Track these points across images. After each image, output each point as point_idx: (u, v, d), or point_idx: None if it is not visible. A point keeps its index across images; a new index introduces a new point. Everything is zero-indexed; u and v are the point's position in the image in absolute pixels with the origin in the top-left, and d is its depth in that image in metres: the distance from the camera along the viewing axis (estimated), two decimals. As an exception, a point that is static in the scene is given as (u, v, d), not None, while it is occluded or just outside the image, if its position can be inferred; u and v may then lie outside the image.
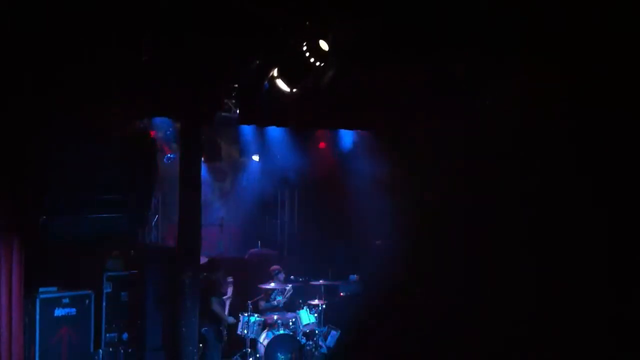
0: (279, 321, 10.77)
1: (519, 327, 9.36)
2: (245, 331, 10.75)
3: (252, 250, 13.07)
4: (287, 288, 11.41)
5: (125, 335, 9.65)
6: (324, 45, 9.09)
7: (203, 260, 10.53)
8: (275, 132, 13.22)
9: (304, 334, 11.09)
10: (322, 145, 13.81)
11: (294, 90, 10.12)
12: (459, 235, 11.30)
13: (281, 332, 10.83)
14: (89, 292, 9.50)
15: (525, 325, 9.31)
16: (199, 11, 8.48)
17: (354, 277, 13.08)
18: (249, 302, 10.80)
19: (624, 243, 8.72)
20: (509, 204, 10.36)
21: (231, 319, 10.50)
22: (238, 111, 10.96)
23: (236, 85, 10.69)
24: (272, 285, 11.07)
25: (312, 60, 9.90)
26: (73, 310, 9.32)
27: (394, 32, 9.17)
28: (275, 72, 9.81)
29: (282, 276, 11.41)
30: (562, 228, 9.54)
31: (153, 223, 10.84)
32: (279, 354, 10.75)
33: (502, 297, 9.85)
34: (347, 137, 13.57)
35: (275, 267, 11.47)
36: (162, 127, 11.30)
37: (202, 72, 9.30)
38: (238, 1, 8.54)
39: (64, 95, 9.03)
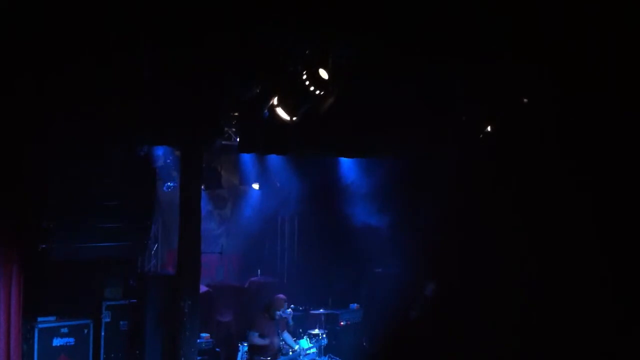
0: (281, 352, 10.64)
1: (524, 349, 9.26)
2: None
3: (253, 279, 13.01)
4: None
5: (124, 366, 9.58)
6: (323, 73, 9.13)
7: (203, 288, 10.49)
8: (275, 160, 13.22)
9: (305, 362, 11.00)
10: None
11: (294, 118, 10.16)
12: (459, 258, 11.30)
13: (282, 360, 10.74)
14: (88, 321, 9.45)
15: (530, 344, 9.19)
16: (200, 39, 8.52)
17: (354, 305, 13.02)
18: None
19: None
20: (509, 222, 10.33)
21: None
22: (238, 139, 11.01)
23: (236, 114, 10.74)
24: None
25: (312, 88, 9.96)
26: (72, 340, 9.27)
27: (392, 50, 9.22)
28: (275, 101, 9.84)
29: (287, 311, 11.27)
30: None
31: (153, 251, 10.78)
32: (279, 384, 10.64)
33: (504, 320, 9.76)
34: (348, 163, 13.59)
35: (281, 296, 11.33)
36: (162, 155, 11.29)
37: (202, 100, 9.32)
38: (238, 30, 8.58)
39: (65, 127, 9.07)
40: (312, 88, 9.83)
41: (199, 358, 9.58)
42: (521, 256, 10.00)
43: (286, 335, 10.57)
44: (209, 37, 8.43)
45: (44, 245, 9.13)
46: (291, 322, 11.26)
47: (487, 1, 8.42)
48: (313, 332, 11.44)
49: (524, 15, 8.39)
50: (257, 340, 10.01)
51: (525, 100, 10.05)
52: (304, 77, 9.10)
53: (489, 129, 11.07)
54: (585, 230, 9.21)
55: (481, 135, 11.01)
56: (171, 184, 11.32)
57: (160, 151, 11.24)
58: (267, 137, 10.74)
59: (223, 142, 11.34)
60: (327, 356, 11.57)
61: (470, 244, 11.01)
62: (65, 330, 9.23)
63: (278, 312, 10.23)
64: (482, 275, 10.57)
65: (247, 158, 12.92)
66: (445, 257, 11.27)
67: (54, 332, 9.16)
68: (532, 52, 8.99)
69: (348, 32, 8.84)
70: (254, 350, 10.09)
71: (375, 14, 8.47)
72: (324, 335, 11.48)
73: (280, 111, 9.96)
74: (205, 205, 10.69)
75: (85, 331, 9.39)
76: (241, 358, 10.78)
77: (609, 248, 8.91)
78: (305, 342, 11.05)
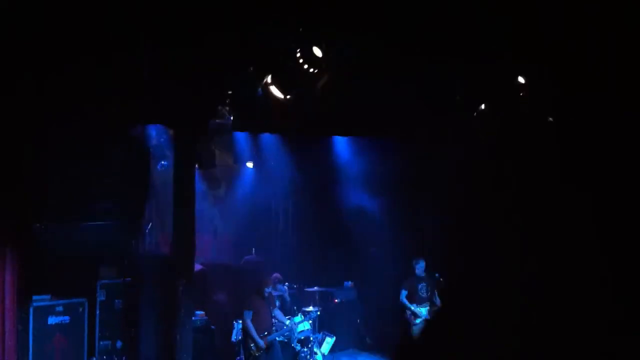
0: (274, 328, 10.72)
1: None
2: (240, 338, 10.70)
3: (247, 257, 13.05)
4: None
5: (119, 343, 9.61)
6: (317, 52, 9.10)
7: (197, 267, 10.51)
8: (269, 139, 13.22)
9: (299, 340, 11.05)
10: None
11: (288, 96, 10.13)
12: (457, 239, 11.32)
13: (276, 339, 10.79)
14: (83, 300, 9.47)
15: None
16: (194, 18, 8.48)
17: (348, 283, 13.10)
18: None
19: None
20: (504, 208, 10.34)
21: (261, 343, 10.02)
22: (232, 118, 10.97)
23: (230, 92, 10.70)
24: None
25: (305, 67, 9.92)
26: (67, 318, 9.29)
27: (390, 43, 9.22)
28: (269, 79, 9.81)
29: (282, 288, 11.34)
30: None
31: (147, 231, 10.78)
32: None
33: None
34: (342, 143, 13.59)
35: (276, 275, 11.41)
36: (155, 134, 11.25)
37: (196, 79, 9.28)
38: (232, 9, 8.55)
39: (58, 104, 9.03)
40: (305, 66, 9.81)
41: (193, 336, 9.60)
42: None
43: (277, 312, 10.64)
44: (203, 18, 8.41)
45: (38, 225, 9.14)
46: (288, 299, 11.33)
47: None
48: (307, 310, 11.50)
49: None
50: (252, 320, 10.07)
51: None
52: (298, 55, 9.06)
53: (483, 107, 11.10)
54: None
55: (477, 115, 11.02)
56: (165, 163, 11.30)
57: (153, 130, 11.22)
58: (261, 116, 10.73)
59: (217, 121, 11.30)
60: (321, 333, 11.65)
61: (468, 241, 11.01)
62: (60, 308, 9.26)
63: (267, 290, 10.29)
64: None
65: (241, 137, 12.91)
66: (444, 256, 11.29)
67: (49, 310, 9.18)
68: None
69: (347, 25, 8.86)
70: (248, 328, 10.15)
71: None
72: (318, 313, 11.55)
73: (274, 89, 9.93)
74: (199, 185, 10.67)
75: (80, 309, 9.41)
76: (236, 336, 10.85)
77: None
78: (299, 319, 11.12)
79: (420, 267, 11.42)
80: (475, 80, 10.87)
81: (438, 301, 11.30)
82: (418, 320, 11.39)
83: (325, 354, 11.63)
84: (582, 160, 9.38)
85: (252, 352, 9.97)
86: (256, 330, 9.99)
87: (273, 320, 10.47)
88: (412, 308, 11.39)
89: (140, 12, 8.32)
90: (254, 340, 9.94)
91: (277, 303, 11.06)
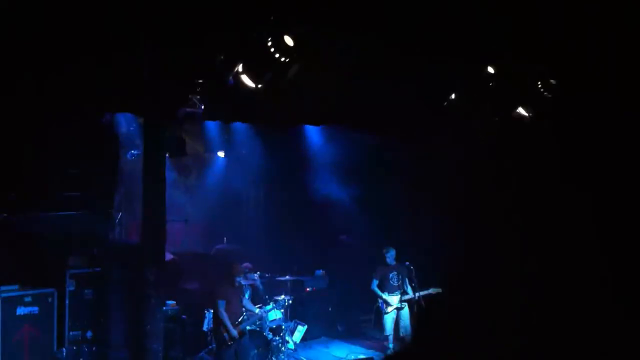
0: (244, 317, 10.71)
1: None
2: (211, 327, 10.68)
3: (218, 246, 13.02)
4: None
5: (89, 333, 9.55)
6: (288, 40, 9.07)
7: (168, 257, 10.46)
8: (240, 128, 13.18)
9: (271, 329, 11.06)
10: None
11: (259, 85, 10.09)
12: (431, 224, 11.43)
13: (248, 327, 10.79)
14: (52, 290, 9.39)
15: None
16: (164, 7, 8.41)
17: (319, 272, 13.14)
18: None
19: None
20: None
21: (234, 332, 9.97)
22: (202, 106, 10.91)
23: (200, 81, 10.63)
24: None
25: (277, 55, 9.89)
26: (35, 309, 9.19)
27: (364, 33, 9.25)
28: (239, 68, 9.76)
29: (254, 277, 11.33)
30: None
31: (117, 220, 10.71)
32: (246, 350, 10.71)
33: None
34: (313, 132, 13.60)
35: (247, 265, 11.40)
36: (125, 123, 11.17)
37: (165, 67, 9.21)
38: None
39: (24, 91, 8.93)
40: (277, 55, 9.78)
41: (164, 325, 9.56)
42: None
43: (246, 302, 10.63)
44: (174, 6, 8.34)
45: (5, 215, 9.03)
46: (261, 288, 11.32)
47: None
48: (279, 298, 11.51)
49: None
50: (225, 309, 10.05)
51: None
52: (269, 44, 9.03)
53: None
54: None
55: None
56: (135, 152, 11.22)
57: (123, 119, 11.13)
58: (232, 105, 10.68)
59: (187, 110, 11.22)
60: (293, 321, 11.68)
61: (442, 230, 11.11)
62: (29, 299, 9.16)
63: (238, 279, 10.28)
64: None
65: (212, 126, 12.86)
66: (416, 244, 11.35)
67: (18, 301, 9.07)
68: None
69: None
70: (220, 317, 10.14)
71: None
72: (290, 301, 11.57)
73: (245, 78, 9.89)
74: (170, 173, 10.60)
75: (50, 300, 9.32)
76: (207, 325, 10.83)
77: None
78: (271, 308, 11.13)
79: (390, 256, 11.45)
80: (446, 68, 10.93)
81: (409, 289, 11.36)
82: (390, 309, 11.45)
83: (297, 342, 11.67)
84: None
85: (224, 341, 9.95)
86: (228, 317, 9.98)
87: (242, 309, 10.47)
88: (384, 296, 11.45)
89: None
90: (227, 330, 9.92)
91: (248, 292, 11.06)
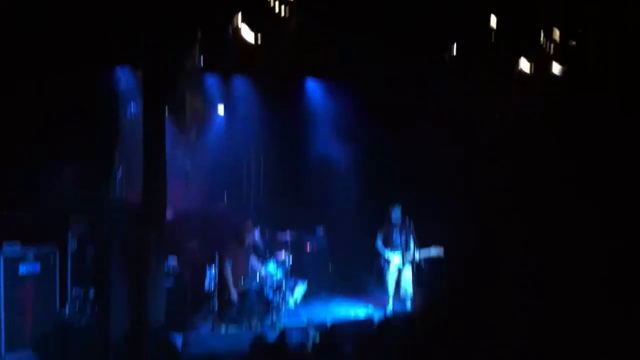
0: (250, 275, 10.70)
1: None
2: (212, 285, 10.71)
3: (219, 203, 12.97)
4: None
5: (91, 292, 9.56)
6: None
7: (169, 214, 10.42)
8: (240, 83, 13.03)
9: (271, 287, 11.09)
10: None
11: (259, 39, 9.97)
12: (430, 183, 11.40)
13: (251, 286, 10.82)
14: (54, 248, 9.36)
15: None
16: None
17: (320, 229, 13.13)
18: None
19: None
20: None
21: (234, 294, 10.05)
22: (202, 62, 10.78)
23: (200, 35, 10.48)
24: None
25: (276, 8, 9.74)
26: (37, 268, 9.18)
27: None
28: (239, 22, 9.62)
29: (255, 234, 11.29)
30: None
31: (117, 178, 10.63)
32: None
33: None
34: (314, 87, 13.46)
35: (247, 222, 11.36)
36: (124, 79, 11.03)
37: (164, 21, 9.05)
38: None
39: (24, 44, 8.81)
40: (276, 8, 9.62)
41: (166, 283, 9.58)
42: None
43: (253, 260, 10.64)
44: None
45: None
46: (261, 246, 11.31)
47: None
48: (279, 256, 11.52)
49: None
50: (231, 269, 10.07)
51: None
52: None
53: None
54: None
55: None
56: (134, 109, 11.10)
57: (122, 75, 10.99)
58: (231, 60, 10.56)
59: (187, 64, 11.09)
60: (293, 279, 11.71)
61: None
62: (30, 258, 9.14)
63: (247, 236, 10.26)
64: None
65: (212, 81, 12.71)
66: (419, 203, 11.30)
67: (20, 259, 9.05)
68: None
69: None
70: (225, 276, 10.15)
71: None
72: (290, 260, 11.58)
73: (244, 32, 9.76)
74: (169, 129, 10.49)
75: (51, 259, 9.30)
76: (209, 282, 10.85)
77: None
78: (272, 266, 11.15)
79: (396, 213, 11.41)
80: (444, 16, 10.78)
81: (412, 249, 11.34)
82: (392, 267, 11.47)
83: (298, 300, 11.71)
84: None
85: (227, 299, 9.98)
86: (233, 277, 9.99)
87: (248, 268, 10.48)
88: (386, 254, 11.46)
89: None
90: (229, 290, 9.95)
91: (252, 250, 11.05)
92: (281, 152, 13.58)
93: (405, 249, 11.36)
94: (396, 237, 11.41)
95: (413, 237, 11.32)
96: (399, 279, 11.52)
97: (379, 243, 11.53)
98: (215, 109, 13.15)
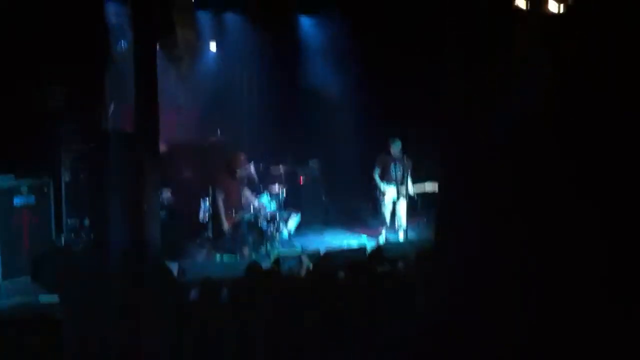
0: (243, 206, 10.82)
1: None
2: (207, 216, 10.85)
3: (212, 136, 13.03)
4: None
5: (86, 221, 9.68)
6: None
7: (162, 147, 10.48)
8: (232, 17, 12.95)
9: (265, 218, 11.24)
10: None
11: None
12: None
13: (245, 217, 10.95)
14: (48, 179, 9.44)
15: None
16: None
17: (313, 161, 13.21)
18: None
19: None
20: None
21: (226, 225, 10.24)
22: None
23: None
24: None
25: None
26: (32, 199, 9.27)
27: None
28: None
29: (249, 167, 11.36)
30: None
31: (110, 110, 10.65)
32: (240, 239, 10.91)
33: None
34: (307, 22, 13.40)
35: (241, 155, 11.42)
36: (114, 13, 10.94)
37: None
38: None
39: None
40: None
41: (161, 213, 9.69)
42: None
43: (247, 192, 10.74)
44: None
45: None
46: (255, 178, 11.41)
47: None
48: (272, 188, 11.63)
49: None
50: (223, 199, 10.16)
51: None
52: None
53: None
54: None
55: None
56: (125, 42, 11.05)
57: (112, 8, 10.91)
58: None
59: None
60: (287, 210, 11.85)
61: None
62: (25, 189, 9.22)
63: (238, 170, 10.33)
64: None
65: (204, 15, 12.62)
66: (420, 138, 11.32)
67: (14, 191, 9.14)
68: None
69: None
70: (218, 208, 10.26)
71: None
72: (284, 191, 11.70)
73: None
74: (161, 63, 10.46)
75: (46, 190, 9.39)
76: (203, 214, 10.98)
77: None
78: (265, 198, 11.27)
79: (396, 147, 11.42)
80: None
81: (409, 182, 11.45)
82: (387, 199, 11.60)
83: (292, 230, 11.87)
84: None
85: (221, 229, 10.12)
86: (226, 209, 10.11)
87: (242, 199, 10.59)
88: (382, 186, 11.58)
89: None
90: (221, 221, 10.07)
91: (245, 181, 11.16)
92: (275, 84, 13.56)
93: (401, 182, 11.47)
94: (393, 170, 11.48)
95: (410, 172, 11.43)
96: (393, 211, 11.67)
97: (376, 174, 11.62)
98: (208, 43, 13.09)
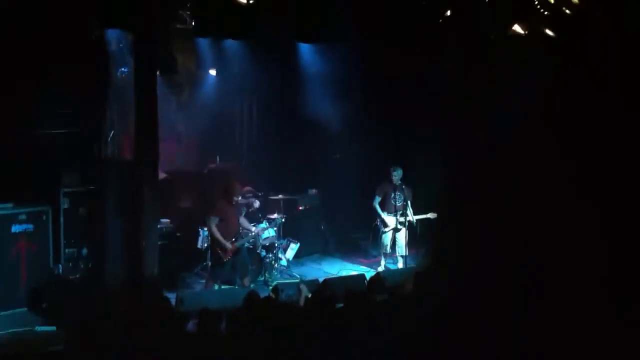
0: (241, 234, 10.78)
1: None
2: (205, 245, 10.80)
3: (211, 164, 13.03)
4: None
5: (84, 250, 9.62)
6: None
7: (161, 175, 10.47)
8: (232, 45, 12.99)
9: (264, 247, 11.20)
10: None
11: (251, 1, 9.94)
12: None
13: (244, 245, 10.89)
14: (46, 207, 9.39)
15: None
16: None
17: (312, 190, 13.20)
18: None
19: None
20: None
21: (227, 244, 10.08)
22: (193, 23, 10.74)
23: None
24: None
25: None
26: (30, 226, 9.20)
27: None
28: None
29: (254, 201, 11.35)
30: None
31: (109, 137, 10.65)
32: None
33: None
34: (307, 49, 13.44)
35: (248, 189, 11.43)
36: (115, 39, 10.98)
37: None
38: None
39: (14, 9, 8.78)
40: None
41: (159, 242, 9.65)
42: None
43: (243, 220, 10.71)
44: None
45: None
46: (254, 206, 11.37)
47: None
48: (272, 217, 11.60)
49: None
50: (217, 225, 10.10)
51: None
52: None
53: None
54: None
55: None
56: (125, 69, 11.08)
57: (112, 35, 10.93)
58: (223, 21, 10.52)
59: (178, 26, 11.05)
60: (286, 239, 11.81)
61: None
62: (23, 217, 9.16)
63: (235, 198, 10.30)
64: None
65: (204, 43, 12.66)
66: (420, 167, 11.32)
67: (13, 218, 9.08)
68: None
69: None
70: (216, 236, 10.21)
71: None
72: (283, 220, 11.67)
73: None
74: (161, 91, 10.50)
75: (44, 217, 9.33)
76: (202, 242, 10.94)
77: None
78: (264, 226, 11.23)
79: (397, 175, 11.38)
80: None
81: (410, 212, 11.40)
82: (387, 229, 11.54)
83: (290, 259, 11.82)
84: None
85: (220, 258, 10.05)
86: (224, 236, 10.05)
87: (240, 227, 10.55)
88: (383, 215, 11.52)
89: None
90: (220, 244, 9.99)
91: (243, 211, 11.12)
92: (273, 113, 13.60)
93: (402, 211, 11.41)
94: (394, 199, 11.43)
95: (410, 201, 11.39)
96: (393, 240, 11.60)
97: (376, 203, 11.57)
98: (207, 70, 13.12)
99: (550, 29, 10.50)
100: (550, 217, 9.74)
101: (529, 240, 9.86)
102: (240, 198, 10.56)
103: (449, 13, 11.32)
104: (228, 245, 9.99)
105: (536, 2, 10.69)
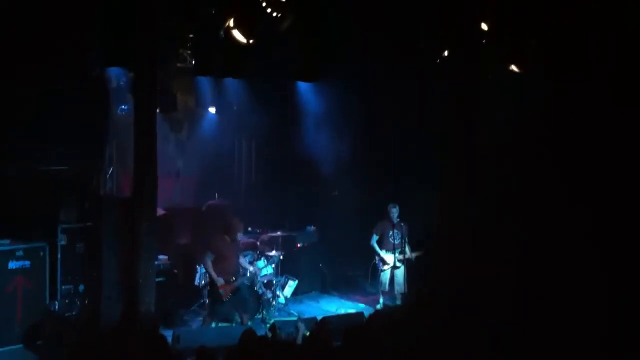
0: (241, 273, 10.75)
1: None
2: (203, 282, 10.77)
3: (210, 202, 13.04)
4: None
5: (81, 287, 9.59)
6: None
7: (160, 212, 10.47)
8: (232, 83, 13.10)
9: (262, 284, 11.16)
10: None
11: (251, 41, 10.04)
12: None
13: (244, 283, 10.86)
14: (44, 244, 9.38)
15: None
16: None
17: (311, 228, 13.19)
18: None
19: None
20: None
21: (221, 281, 9.95)
22: (194, 62, 10.85)
23: (192, 36, 10.56)
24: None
25: (269, 10, 9.82)
26: (27, 263, 9.18)
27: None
28: (231, 22, 9.69)
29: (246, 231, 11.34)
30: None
31: (108, 174, 10.70)
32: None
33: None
34: (305, 88, 13.55)
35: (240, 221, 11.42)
36: (115, 77, 11.09)
37: (157, 21, 9.12)
38: None
39: (14, 45, 8.86)
40: (269, 10, 9.70)
41: (157, 279, 9.61)
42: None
43: (241, 259, 10.68)
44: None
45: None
46: (254, 244, 11.36)
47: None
48: (270, 254, 11.58)
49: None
50: (218, 264, 10.07)
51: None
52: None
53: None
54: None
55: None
56: (125, 107, 11.17)
57: (113, 73, 11.04)
58: (223, 60, 10.62)
59: (178, 65, 11.17)
60: (284, 277, 11.77)
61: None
62: (20, 253, 9.15)
63: (235, 235, 10.28)
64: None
65: (204, 81, 12.78)
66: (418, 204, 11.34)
67: (10, 255, 9.06)
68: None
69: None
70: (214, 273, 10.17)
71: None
72: (281, 257, 11.65)
73: (236, 33, 9.82)
74: (161, 128, 10.57)
75: (42, 254, 9.31)
76: (199, 279, 10.91)
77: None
78: (262, 263, 11.21)
79: (395, 213, 11.42)
80: (440, 26, 10.94)
81: (408, 249, 11.40)
82: (386, 267, 11.52)
83: (288, 296, 11.77)
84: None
85: (220, 296, 9.99)
86: (223, 274, 9.99)
87: (239, 266, 10.52)
88: (382, 254, 11.51)
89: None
90: (214, 281, 9.94)
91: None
92: (272, 151, 13.66)
93: (400, 249, 11.41)
94: (393, 237, 11.43)
95: (407, 238, 11.39)
96: (392, 278, 11.57)
97: (374, 242, 11.57)
98: (207, 108, 13.22)
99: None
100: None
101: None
102: (240, 235, 10.54)
103: (446, 54, 11.44)
104: (221, 280, 9.94)
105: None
